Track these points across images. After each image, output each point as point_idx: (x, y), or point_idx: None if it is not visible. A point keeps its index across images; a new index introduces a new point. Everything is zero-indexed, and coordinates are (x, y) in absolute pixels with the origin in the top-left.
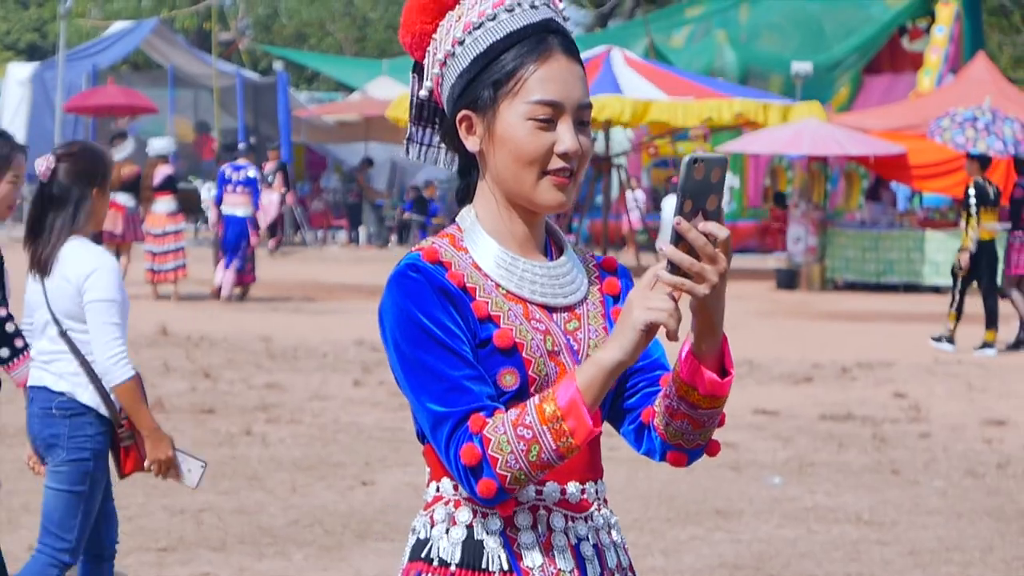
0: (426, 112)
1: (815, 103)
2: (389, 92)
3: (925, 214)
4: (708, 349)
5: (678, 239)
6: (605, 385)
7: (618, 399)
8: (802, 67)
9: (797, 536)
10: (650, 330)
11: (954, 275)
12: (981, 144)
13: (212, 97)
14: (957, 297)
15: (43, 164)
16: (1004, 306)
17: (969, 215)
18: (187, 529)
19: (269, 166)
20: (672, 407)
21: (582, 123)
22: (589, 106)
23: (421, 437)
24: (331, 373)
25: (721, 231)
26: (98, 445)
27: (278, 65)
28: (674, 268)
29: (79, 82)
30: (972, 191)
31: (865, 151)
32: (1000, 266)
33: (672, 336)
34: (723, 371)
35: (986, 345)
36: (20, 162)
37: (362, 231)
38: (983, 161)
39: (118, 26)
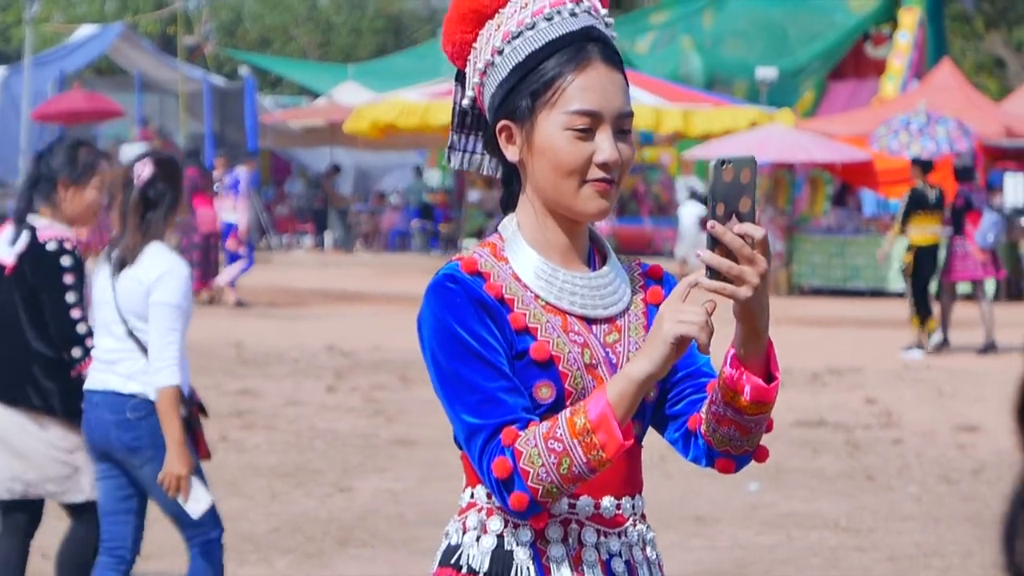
0: (469, 120)
1: (787, 110)
2: (355, 97)
3: (891, 220)
4: (753, 354)
5: (714, 243)
6: (636, 398)
7: (662, 406)
8: (767, 73)
9: (776, 542)
10: (681, 343)
11: (906, 279)
12: (915, 147)
13: (178, 102)
14: (914, 301)
15: (146, 168)
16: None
17: (895, 219)
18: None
19: (216, 173)
20: (719, 413)
21: (623, 132)
22: (630, 114)
23: (459, 443)
24: (303, 379)
25: (757, 231)
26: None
27: (243, 70)
28: (713, 273)
29: (45, 88)
30: (905, 197)
31: (832, 157)
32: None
33: (703, 350)
34: (769, 376)
35: (930, 337)
36: (104, 168)
37: (328, 236)
38: (924, 166)
39: (83, 31)
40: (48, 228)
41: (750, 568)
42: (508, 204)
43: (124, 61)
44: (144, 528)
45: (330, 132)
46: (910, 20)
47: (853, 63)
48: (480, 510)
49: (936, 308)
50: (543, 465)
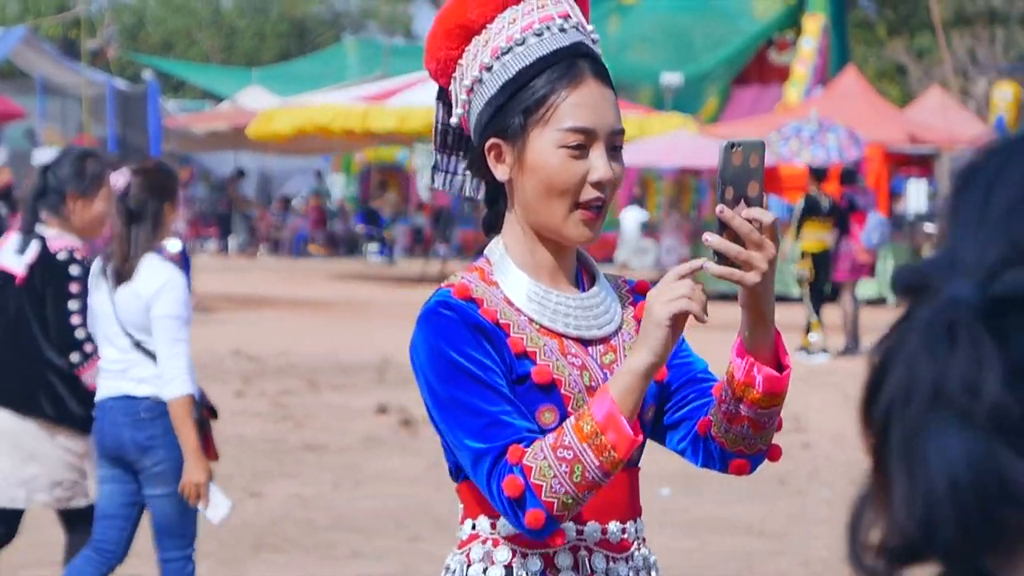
0: (451, 139)
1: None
2: (259, 102)
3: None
4: (761, 344)
5: (722, 228)
6: (641, 392)
7: (661, 417)
8: (672, 79)
9: (691, 547)
10: (676, 323)
11: (801, 285)
12: (805, 154)
13: (80, 106)
14: (811, 306)
15: (120, 179)
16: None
17: (790, 226)
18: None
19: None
20: (730, 412)
21: (615, 148)
22: (622, 131)
23: (454, 474)
24: (211, 384)
25: (766, 216)
26: None
27: (147, 74)
28: (721, 258)
29: None
30: (800, 203)
31: None
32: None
33: (700, 318)
34: (779, 366)
35: (802, 349)
36: (111, 180)
37: (232, 240)
38: (819, 174)
39: None
40: (58, 238)
41: (667, 573)
42: (493, 225)
43: (26, 65)
44: (134, 537)
45: (234, 136)
46: (814, 26)
47: (757, 69)
48: (484, 541)
49: (836, 313)
50: (555, 476)
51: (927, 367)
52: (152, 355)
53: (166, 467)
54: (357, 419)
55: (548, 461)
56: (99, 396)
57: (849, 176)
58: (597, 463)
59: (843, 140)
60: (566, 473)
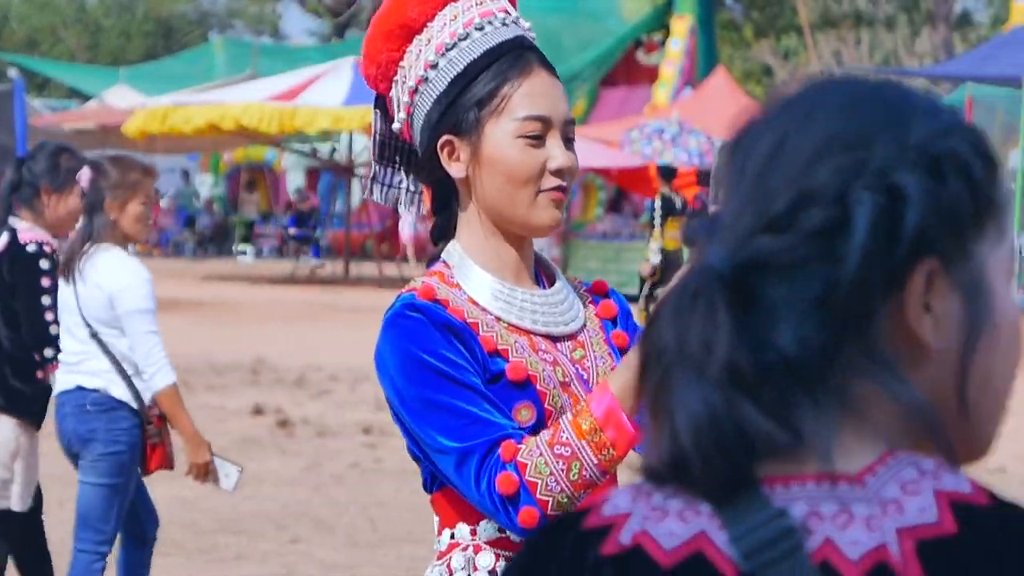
0: (388, 151)
1: None
2: (127, 100)
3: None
4: None
5: None
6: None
7: None
8: None
9: None
10: None
11: (643, 283)
12: (668, 155)
13: None
14: (642, 304)
15: (85, 175)
16: None
17: (653, 226)
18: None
19: None
20: None
21: (568, 139)
22: (574, 121)
23: (428, 486)
24: None
25: None
26: (133, 438)
27: (12, 72)
28: None
29: None
30: (657, 203)
31: (608, 163)
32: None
33: None
34: None
35: None
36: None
37: None
38: (667, 173)
39: None
40: (29, 231)
41: None
42: (444, 231)
43: None
44: (150, 502)
45: (102, 135)
46: (681, 28)
47: (625, 70)
48: (465, 548)
49: None
50: (552, 474)
51: (673, 327)
52: (107, 348)
53: (104, 462)
54: (233, 420)
55: (545, 458)
56: (55, 392)
57: (706, 177)
58: (595, 461)
59: (703, 144)
60: (563, 471)
